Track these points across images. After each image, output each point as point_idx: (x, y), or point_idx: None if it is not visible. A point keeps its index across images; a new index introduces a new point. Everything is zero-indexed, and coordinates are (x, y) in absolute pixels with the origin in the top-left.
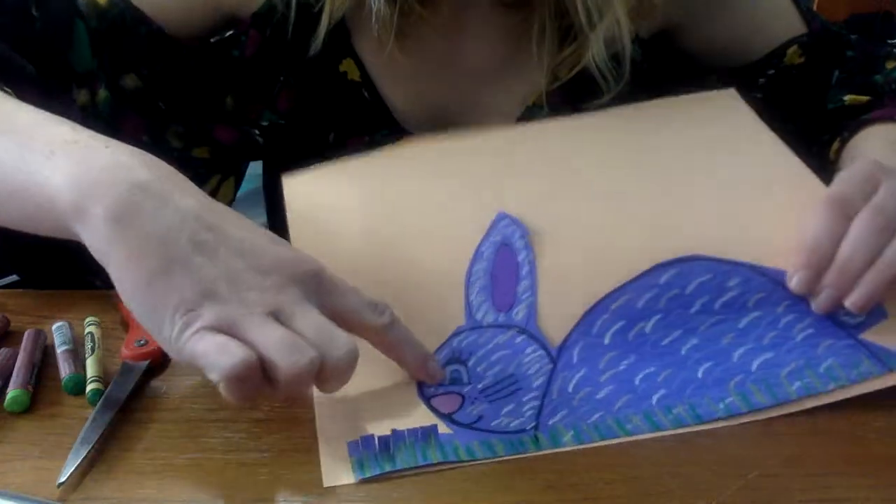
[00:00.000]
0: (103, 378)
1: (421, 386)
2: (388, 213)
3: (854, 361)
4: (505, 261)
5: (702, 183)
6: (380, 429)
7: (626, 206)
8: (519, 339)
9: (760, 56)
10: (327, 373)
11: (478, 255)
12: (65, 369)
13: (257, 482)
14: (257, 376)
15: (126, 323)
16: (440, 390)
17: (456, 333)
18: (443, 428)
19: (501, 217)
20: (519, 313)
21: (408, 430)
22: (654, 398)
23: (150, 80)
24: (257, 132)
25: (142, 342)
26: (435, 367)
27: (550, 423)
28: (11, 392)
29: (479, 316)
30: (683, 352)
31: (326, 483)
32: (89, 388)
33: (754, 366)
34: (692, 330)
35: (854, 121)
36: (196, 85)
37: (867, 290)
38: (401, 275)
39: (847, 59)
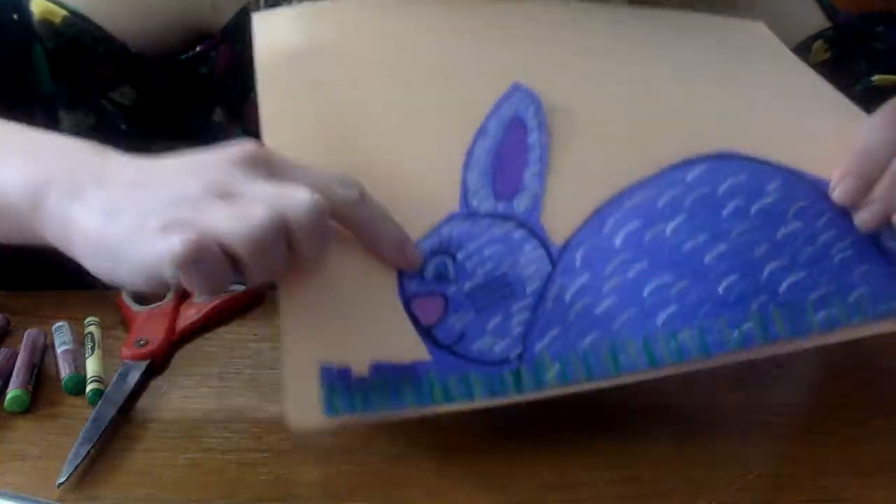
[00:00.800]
0: (103, 378)
1: (402, 283)
2: (378, 68)
3: (888, 294)
4: (513, 140)
5: (739, 83)
6: (355, 346)
7: (657, 95)
8: (517, 234)
9: None
10: (295, 233)
11: (483, 130)
12: (65, 369)
13: (257, 482)
14: (214, 258)
15: (126, 323)
16: (423, 288)
17: (447, 220)
18: (420, 352)
19: (516, 88)
20: (521, 203)
21: (387, 363)
22: (661, 317)
23: (115, 103)
24: None
25: (142, 342)
26: (414, 252)
27: (537, 347)
28: (11, 392)
29: (475, 202)
30: (707, 260)
31: (294, 424)
32: (89, 388)
33: (783, 286)
34: (721, 235)
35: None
36: (165, 104)
37: None
38: (387, 146)
39: (875, 51)
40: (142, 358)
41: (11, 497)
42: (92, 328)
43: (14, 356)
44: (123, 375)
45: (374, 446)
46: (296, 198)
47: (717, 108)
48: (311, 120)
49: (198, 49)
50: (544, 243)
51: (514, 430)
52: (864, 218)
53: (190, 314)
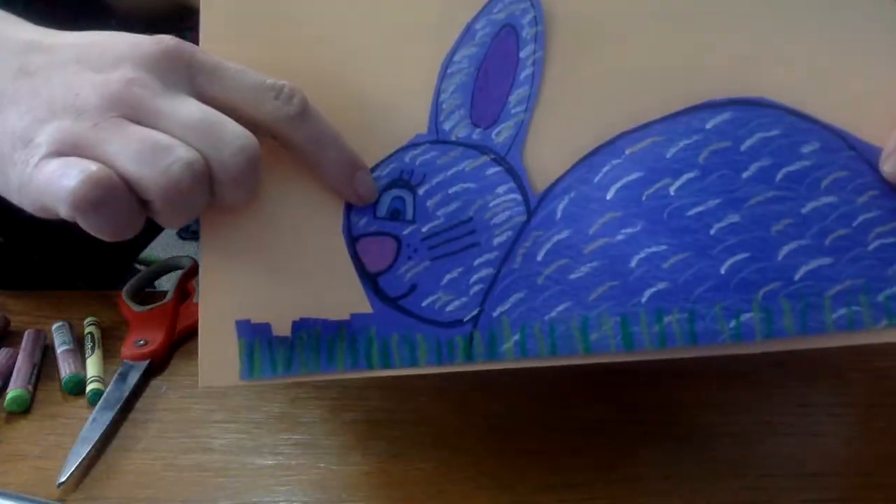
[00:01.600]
0: (103, 378)
1: (349, 220)
2: None
3: None
4: (502, 52)
5: (791, 8)
6: (281, 299)
7: (685, 20)
8: (492, 171)
9: None
10: (219, 179)
11: (467, 34)
12: (65, 369)
13: (257, 482)
14: (119, 197)
15: (126, 323)
16: (373, 228)
17: (412, 145)
18: (361, 305)
19: None
20: (502, 133)
21: (312, 319)
22: (648, 293)
23: None
24: None
25: (142, 342)
26: (366, 182)
27: (496, 312)
28: (11, 392)
29: (447, 126)
30: (714, 231)
31: (202, 382)
32: (89, 388)
33: (800, 273)
34: (736, 202)
35: None
36: None
37: None
38: (345, 46)
39: None
40: (142, 358)
41: (11, 497)
42: (92, 328)
43: (14, 356)
44: (123, 375)
45: (374, 446)
46: (224, 136)
47: (758, 39)
48: (254, 13)
49: (182, 25)
50: (522, 186)
51: (514, 430)
52: None
53: (190, 314)
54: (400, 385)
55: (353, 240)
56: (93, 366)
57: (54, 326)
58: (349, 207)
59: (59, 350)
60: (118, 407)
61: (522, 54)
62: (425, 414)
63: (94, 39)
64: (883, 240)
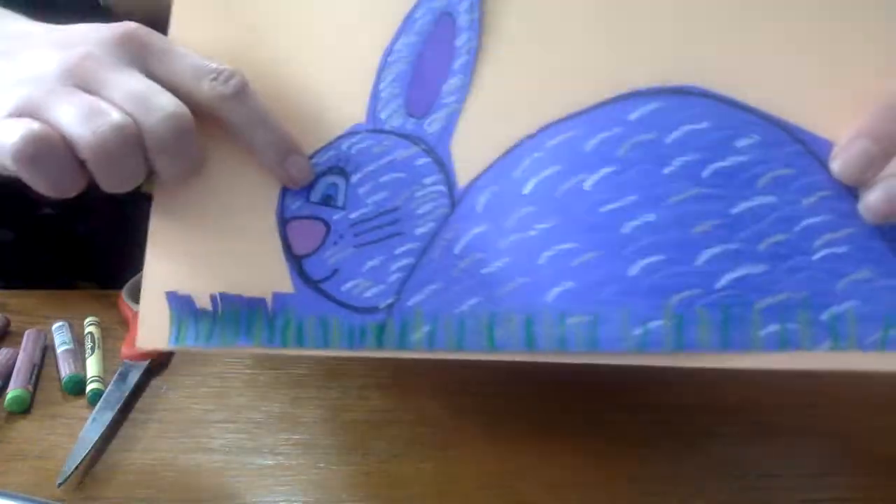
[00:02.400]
0: (103, 378)
1: (283, 202)
2: None
3: (893, 318)
4: (440, 39)
5: (733, 4)
6: (208, 274)
7: (618, 9)
8: (421, 162)
9: None
10: (150, 144)
11: (408, 22)
12: (65, 369)
13: (257, 482)
14: (57, 154)
15: (126, 323)
16: (304, 211)
17: (349, 134)
18: (283, 284)
19: None
20: (434, 123)
21: (231, 295)
22: (554, 292)
23: None
24: None
25: None
26: (300, 165)
27: (412, 301)
28: (11, 392)
29: (383, 115)
30: (627, 229)
31: (139, 343)
32: (89, 388)
33: (723, 280)
34: (654, 200)
35: None
36: None
37: None
38: (291, 36)
39: None
40: (142, 358)
41: (11, 497)
42: (92, 328)
43: (14, 356)
44: (123, 375)
45: (374, 446)
46: (156, 104)
47: (693, 26)
48: (216, 4)
49: None
50: (449, 178)
51: (514, 430)
52: (874, 201)
53: None
54: (400, 385)
55: (284, 221)
56: (93, 366)
57: (54, 326)
58: (285, 191)
59: (59, 350)
60: (118, 407)
61: (458, 42)
62: (425, 414)
63: (69, 28)
64: (832, 249)
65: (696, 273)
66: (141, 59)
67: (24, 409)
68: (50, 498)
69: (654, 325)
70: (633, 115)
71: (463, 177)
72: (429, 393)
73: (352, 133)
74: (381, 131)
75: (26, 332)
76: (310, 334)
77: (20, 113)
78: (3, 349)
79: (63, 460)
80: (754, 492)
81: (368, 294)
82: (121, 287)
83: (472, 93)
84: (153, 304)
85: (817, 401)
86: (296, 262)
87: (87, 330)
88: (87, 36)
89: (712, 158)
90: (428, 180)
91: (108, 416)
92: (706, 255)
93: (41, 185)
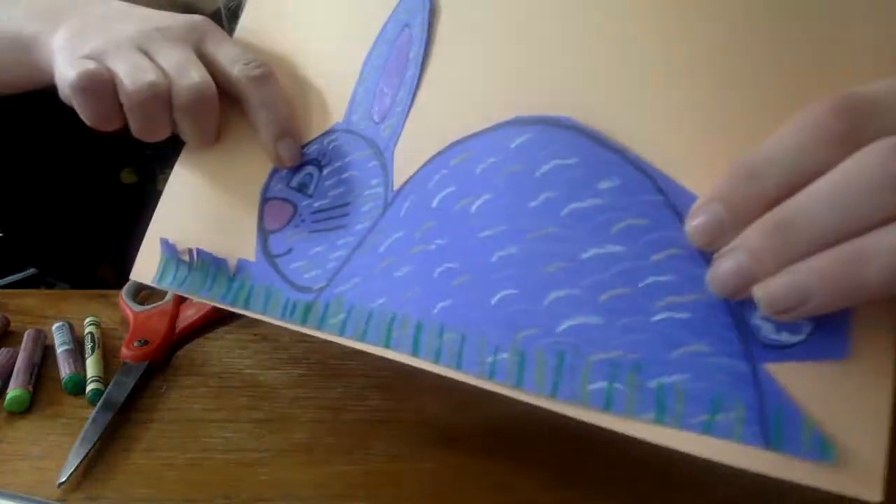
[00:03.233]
0: (103, 378)
1: (269, 182)
2: None
3: (723, 402)
4: (400, 50)
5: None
6: (196, 229)
7: (530, 31)
8: (371, 164)
9: None
10: (177, 103)
11: (383, 32)
12: (65, 369)
13: (257, 482)
14: (103, 90)
15: (126, 323)
16: (282, 193)
17: (329, 132)
18: (248, 252)
19: None
20: (386, 130)
21: (204, 251)
22: (438, 306)
23: None
24: None
25: (142, 342)
26: (290, 147)
27: (337, 290)
28: (11, 392)
29: (354, 117)
30: (494, 259)
31: (132, 276)
32: (89, 388)
33: (564, 325)
34: (517, 233)
35: None
36: None
37: (814, 282)
38: (302, 43)
39: None
40: (142, 358)
41: (11, 497)
42: (92, 328)
43: (14, 356)
44: (123, 375)
45: (374, 446)
46: (189, 73)
47: (593, 55)
48: (273, 8)
49: None
50: (387, 182)
51: (514, 430)
52: (718, 273)
53: (190, 314)
54: (400, 385)
55: (264, 199)
56: (93, 366)
57: (54, 326)
58: (273, 173)
59: (59, 350)
60: (118, 407)
61: (411, 54)
62: (425, 414)
63: (158, 11)
64: (672, 313)
65: (541, 312)
66: (197, 41)
67: (24, 409)
68: (50, 498)
69: (501, 356)
70: (514, 143)
71: (397, 182)
72: (429, 393)
73: (331, 131)
74: (351, 132)
75: (26, 332)
76: (255, 299)
77: (89, 56)
78: (3, 349)
79: (63, 460)
80: (754, 492)
81: (308, 276)
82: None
83: (413, 104)
84: (151, 245)
85: None
86: (263, 235)
87: (87, 330)
88: (168, 19)
89: (572, 197)
90: (373, 181)
91: (108, 416)
92: (552, 296)
93: (86, 112)
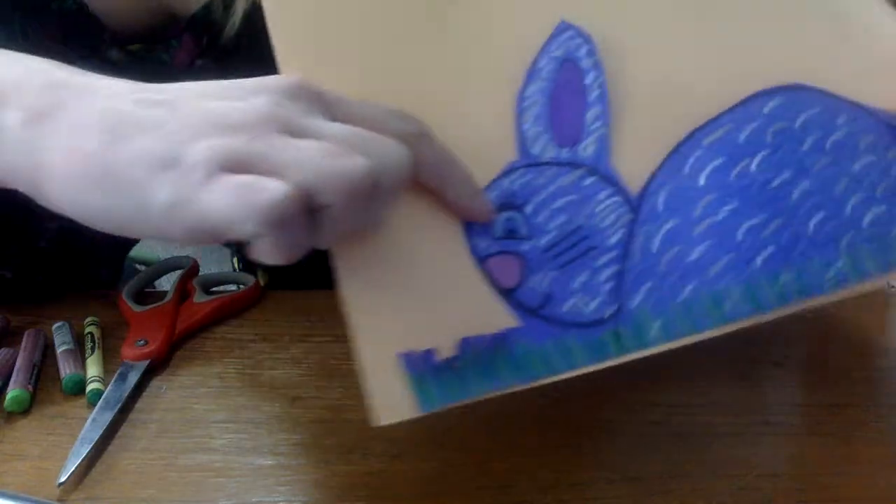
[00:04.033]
0: (103, 378)
1: (472, 243)
2: (407, 9)
3: None
4: (569, 82)
5: (800, 9)
6: (434, 324)
7: (717, 25)
8: (588, 182)
9: None
10: (382, 186)
11: (534, 72)
12: (65, 369)
13: (258, 482)
14: (303, 212)
15: (126, 323)
16: (495, 248)
17: (507, 172)
18: (507, 319)
19: (564, 27)
20: (587, 148)
21: (475, 337)
22: (759, 259)
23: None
24: None
25: (142, 342)
26: (486, 199)
27: (634, 304)
28: (11, 392)
29: (535, 150)
30: (795, 197)
31: (384, 420)
32: (89, 388)
33: (866, 221)
34: (804, 171)
35: None
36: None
37: None
38: (428, 94)
39: None
40: (142, 358)
41: (11, 497)
42: (92, 328)
43: (14, 356)
44: (123, 375)
45: (374, 446)
46: (387, 146)
47: (782, 37)
48: (330, 67)
49: (168, 35)
50: (620, 189)
51: (514, 430)
52: None
53: (190, 314)
54: None
55: (480, 261)
56: (93, 366)
57: (54, 326)
58: (469, 233)
59: (59, 350)
60: (118, 407)
61: (587, 81)
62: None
63: (226, 82)
64: None
65: (849, 219)
66: (322, 107)
67: (24, 409)
68: (50, 498)
69: (839, 265)
70: (766, 109)
71: (633, 185)
72: None
73: (509, 171)
74: (538, 164)
75: (26, 332)
76: (554, 360)
77: (228, 167)
78: (3, 349)
79: (63, 460)
80: (754, 492)
81: (589, 309)
82: (121, 287)
83: (614, 116)
84: (381, 372)
85: (817, 401)
86: (508, 295)
87: (87, 330)
88: (256, 85)
89: (829, 133)
90: (601, 195)
91: (108, 416)
92: (850, 204)
93: (283, 252)
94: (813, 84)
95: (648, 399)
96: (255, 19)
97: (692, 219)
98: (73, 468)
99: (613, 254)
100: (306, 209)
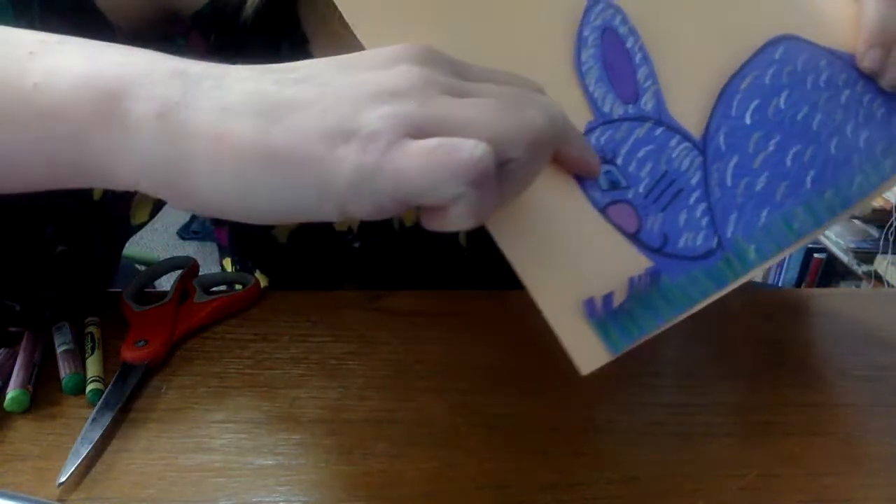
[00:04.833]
0: (103, 378)
1: (589, 197)
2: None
3: None
4: (613, 49)
5: None
6: (596, 272)
7: None
8: (658, 132)
9: None
10: (550, 142)
11: (581, 41)
12: (65, 369)
13: (258, 482)
14: (494, 169)
15: (126, 323)
16: (609, 198)
17: (589, 130)
18: (643, 261)
19: (595, 2)
20: (647, 103)
21: (637, 276)
22: (808, 180)
23: None
24: None
25: (142, 342)
26: (595, 153)
27: (729, 234)
28: (11, 392)
29: (606, 109)
30: (815, 127)
31: (586, 369)
32: (89, 388)
33: (861, 142)
34: (815, 105)
35: None
36: None
37: None
38: (491, 61)
39: None
40: (142, 358)
41: (11, 497)
42: (92, 328)
43: (14, 356)
44: (123, 375)
45: (374, 446)
46: (543, 99)
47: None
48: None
49: (173, 31)
50: (686, 135)
51: (514, 430)
52: (889, 79)
53: (190, 314)
54: (400, 385)
55: (601, 211)
56: (93, 366)
57: (54, 326)
58: (584, 187)
59: (59, 350)
60: (118, 407)
61: (628, 45)
62: (425, 414)
63: (337, 57)
64: (881, 110)
65: (851, 142)
66: (454, 71)
67: (24, 409)
68: (50, 498)
69: (858, 179)
70: (777, 55)
71: (694, 130)
72: (429, 393)
73: (590, 130)
74: (613, 121)
75: (26, 333)
76: (691, 291)
77: (411, 133)
78: (2, 349)
79: (63, 460)
80: (754, 492)
81: (698, 243)
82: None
83: (661, 73)
84: (569, 323)
85: (817, 401)
86: (635, 239)
87: (87, 330)
88: (391, 54)
89: (819, 73)
90: (672, 143)
91: (108, 416)
92: (849, 128)
93: (479, 207)
94: (796, 34)
95: (648, 399)
96: (265, 13)
97: (749, 153)
98: (73, 468)
99: (698, 192)
100: (496, 167)
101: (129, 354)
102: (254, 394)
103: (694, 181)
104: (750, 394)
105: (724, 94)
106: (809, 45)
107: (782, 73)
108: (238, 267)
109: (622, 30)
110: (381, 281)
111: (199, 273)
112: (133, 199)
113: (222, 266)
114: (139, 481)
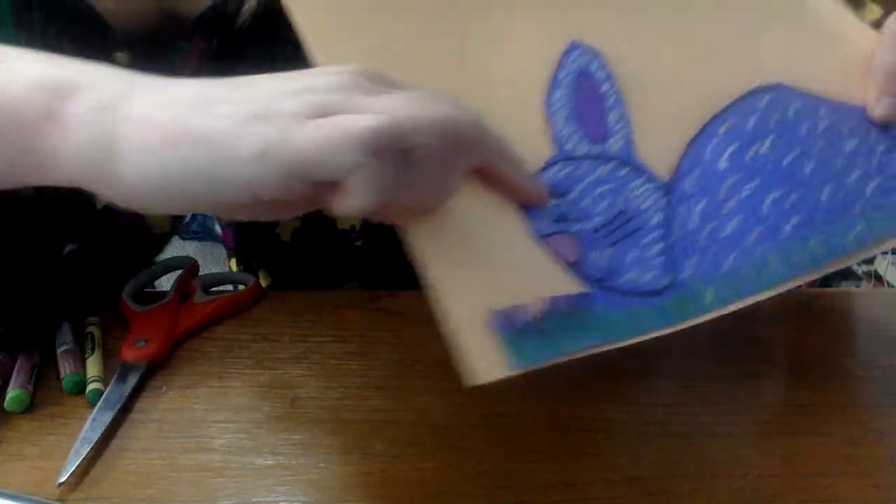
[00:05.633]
0: (103, 378)
1: (531, 223)
2: (429, 38)
3: None
4: (587, 91)
5: (775, 19)
6: (515, 287)
7: (701, 34)
8: (623, 172)
9: None
10: (466, 138)
11: (555, 83)
12: (65, 369)
13: (258, 482)
14: (395, 148)
15: (126, 323)
16: (552, 228)
17: (547, 166)
18: (575, 286)
19: (574, 46)
20: (615, 144)
21: (561, 295)
22: (787, 228)
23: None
24: None
25: (142, 342)
26: (540, 184)
27: (685, 275)
28: (11, 392)
29: (569, 147)
30: (807, 172)
31: (480, 379)
32: (89, 388)
33: (869, 190)
34: (808, 151)
35: None
36: None
37: None
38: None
39: None
40: (142, 358)
41: (11, 497)
42: (92, 328)
43: (14, 356)
44: (123, 375)
45: (374, 446)
46: (468, 107)
47: (757, 42)
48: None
49: (171, 34)
50: (651, 177)
51: (514, 430)
52: None
53: (190, 314)
54: (400, 385)
55: (543, 237)
56: (93, 366)
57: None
58: (528, 212)
59: (59, 350)
60: (118, 407)
61: (603, 89)
62: (425, 414)
63: (283, 73)
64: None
65: (854, 189)
66: (387, 85)
67: (24, 409)
68: (50, 498)
69: (858, 229)
70: (763, 103)
71: (664, 172)
72: (429, 393)
73: (549, 165)
74: (574, 158)
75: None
76: (629, 324)
77: (322, 114)
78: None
79: (63, 460)
80: (754, 492)
81: (644, 280)
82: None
83: (633, 117)
84: (471, 331)
85: (817, 401)
86: (573, 269)
87: (87, 330)
88: (328, 71)
89: (817, 121)
90: (635, 183)
91: (108, 416)
92: (853, 177)
93: (377, 191)
94: (789, 83)
95: (648, 399)
96: (264, 18)
97: (719, 198)
98: (73, 468)
99: (657, 233)
100: (398, 147)
101: (129, 354)
102: (254, 394)
103: (654, 221)
104: (750, 394)
105: (700, 138)
106: (806, 94)
107: (768, 119)
108: (243, 267)
109: (599, 74)
110: (384, 279)
111: (199, 273)
112: None
113: (229, 267)
114: (139, 481)
